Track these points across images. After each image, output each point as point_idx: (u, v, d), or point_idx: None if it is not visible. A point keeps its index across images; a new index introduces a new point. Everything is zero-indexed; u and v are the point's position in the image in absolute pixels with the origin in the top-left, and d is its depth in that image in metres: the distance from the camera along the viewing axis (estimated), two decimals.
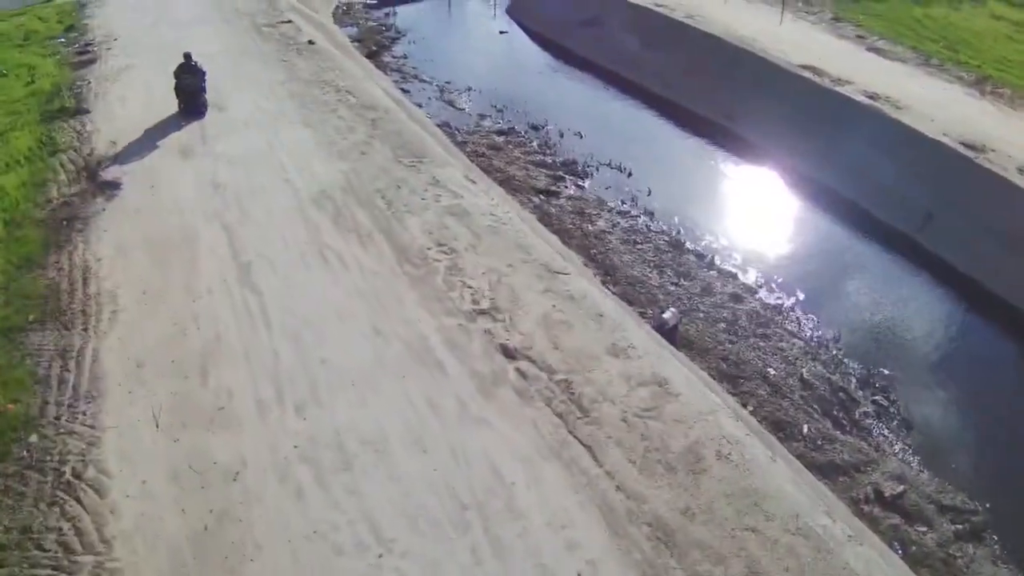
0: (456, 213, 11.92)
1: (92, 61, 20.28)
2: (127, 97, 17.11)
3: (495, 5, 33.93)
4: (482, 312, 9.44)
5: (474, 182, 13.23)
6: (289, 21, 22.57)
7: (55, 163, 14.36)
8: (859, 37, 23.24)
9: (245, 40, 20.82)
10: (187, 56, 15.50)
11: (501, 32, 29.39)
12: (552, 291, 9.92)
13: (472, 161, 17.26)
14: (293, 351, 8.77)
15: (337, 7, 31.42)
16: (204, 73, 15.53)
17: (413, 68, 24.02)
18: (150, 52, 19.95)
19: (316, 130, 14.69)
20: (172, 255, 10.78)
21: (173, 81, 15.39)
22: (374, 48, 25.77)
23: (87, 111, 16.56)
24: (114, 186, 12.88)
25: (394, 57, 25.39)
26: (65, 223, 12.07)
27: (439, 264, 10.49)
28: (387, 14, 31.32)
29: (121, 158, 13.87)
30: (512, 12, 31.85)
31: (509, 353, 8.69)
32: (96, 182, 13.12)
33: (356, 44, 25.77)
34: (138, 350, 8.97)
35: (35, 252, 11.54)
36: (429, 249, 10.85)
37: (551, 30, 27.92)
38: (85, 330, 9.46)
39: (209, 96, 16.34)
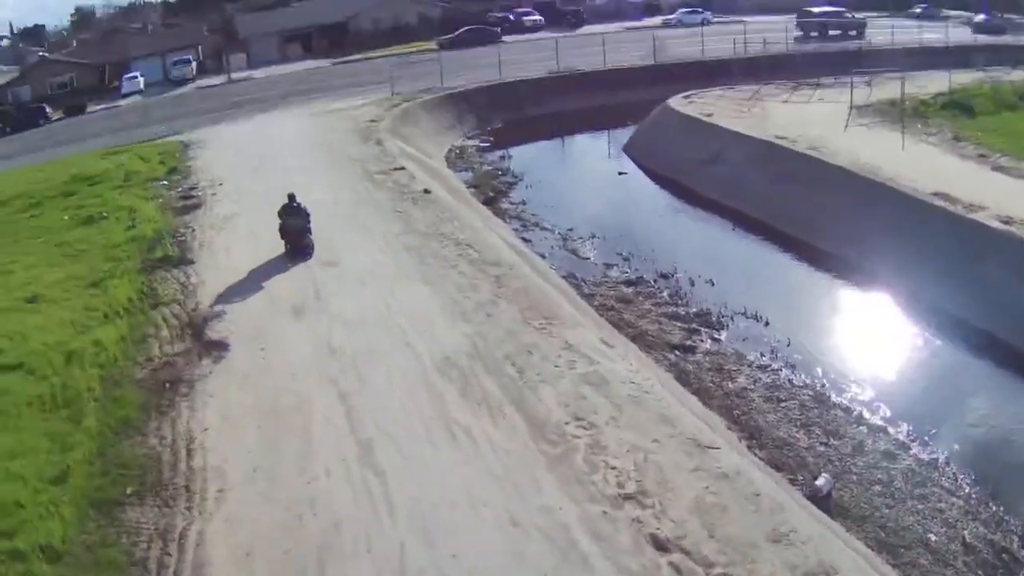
0: (593, 382, 12.32)
1: (196, 207, 22.63)
2: (233, 247, 18.89)
3: (609, 144, 36.15)
4: (628, 497, 9.56)
5: (610, 346, 13.70)
6: (402, 168, 24.71)
7: (157, 317, 15.81)
8: (981, 156, 24.53)
9: (357, 188, 22.84)
10: (291, 197, 17.52)
11: (620, 173, 31.21)
12: (703, 469, 9.99)
13: (601, 315, 17.94)
14: (420, 544, 9.08)
15: (450, 151, 34.17)
16: (308, 214, 17.57)
17: (533, 215, 25.51)
18: (257, 199, 22.08)
19: (436, 288, 15.72)
20: (285, 427, 11.54)
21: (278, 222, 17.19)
22: (491, 194, 27.61)
23: (191, 261, 18.33)
24: (221, 347, 14.05)
25: (512, 203, 27.10)
26: (168, 385, 13.15)
27: (578, 441, 10.76)
28: (502, 157, 33.79)
29: (228, 315, 15.16)
30: (629, 151, 33.89)
31: (661, 545, 8.72)
32: (202, 341, 14.35)
33: (472, 190, 27.75)
34: (248, 536, 9.48)
35: (134, 416, 12.55)
36: (566, 424, 11.19)
37: (671, 169, 29.54)
38: (189, 509, 10.10)
39: (321, 250, 17.88)
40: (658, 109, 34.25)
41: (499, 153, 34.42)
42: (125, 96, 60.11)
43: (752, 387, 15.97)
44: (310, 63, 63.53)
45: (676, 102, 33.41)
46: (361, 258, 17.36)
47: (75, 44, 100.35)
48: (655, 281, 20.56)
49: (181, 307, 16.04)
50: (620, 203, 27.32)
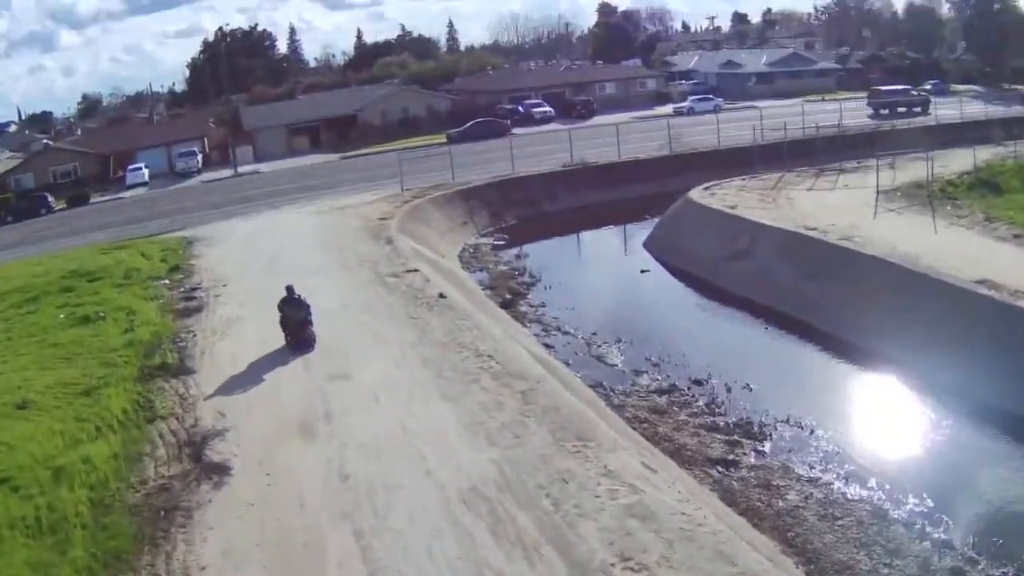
0: (639, 514, 11.36)
1: (198, 309, 21.95)
2: (238, 355, 18.11)
3: (628, 240, 35.72)
4: None
5: (654, 470, 12.77)
6: (415, 270, 24.11)
7: (153, 433, 14.92)
8: (1016, 237, 24.30)
9: (368, 292, 22.20)
10: (289, 289, 17.92)
11: (643, 271, 30.57)
12: None
13: (634, 428, 17.05)
14: None
15: (463, 249, 33.73)
16: (309, 306, 18.03)
17: (554, 318, 24.83)
18: (263, 302, 21.27)
19: (458, 406, 14.86)
20: (294, 569, 10.56)
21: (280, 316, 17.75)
22: (508, 296, 26.98)
23: (191, 371, 17.53)
24: (223, 470, 13.13)
25: (531, 306, 26.44)
26: (163, 514, 12.18)
27: None
28: (517, 255, 33.31)
29: (231, 434, 14.27)
30: (650, 247, 33.36)
31: None
32: (201, 463, 13.43)
33: (488, 292, 27.13)
34: None
35: (125, 548, 11.55)
36: (612, 565, 10.19)
37: (697, 266, 28.91)
38: None
39: (332, 361, 17.14)
40: (678, 202, 33.95)
41: (514, 251, 34.03)
42: (129, 188, 60.40)
43: (804, 504, 14.94)
44: (318, 157, 64.00)
45: (697, 194, 33.13)
46: (374, 371, 16.56)
47: (79, 132, 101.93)
48: (688, 388, 19.78)
49: (179, 422, 15.19)
50: (644, 303, 26.76)
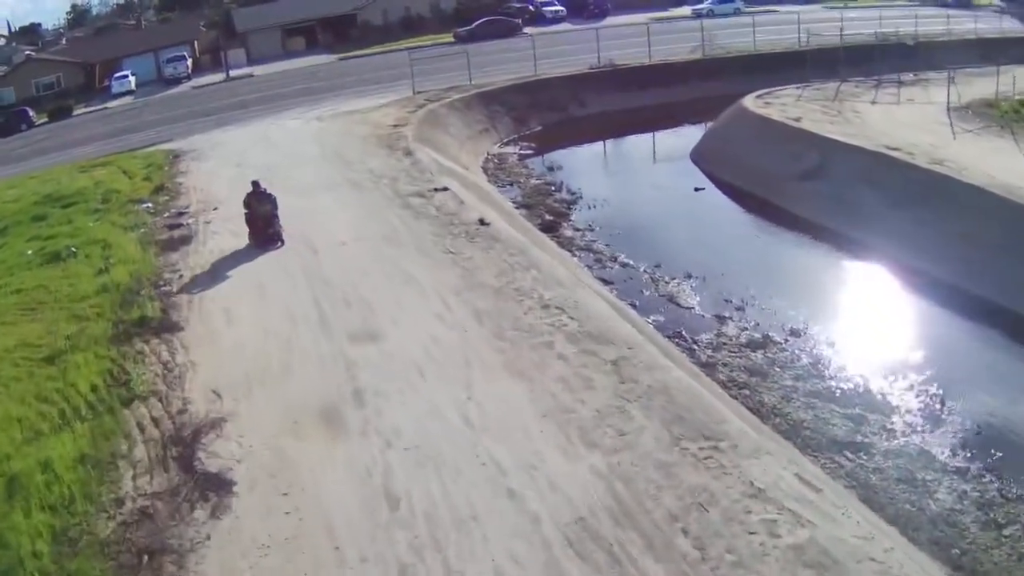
0: (815, 562, 7.63)
1: (185, 240, 17.90)
2: (234, 306, 14.09)
3: (672, 151, 31.33)
4: None
5: (817, 488, 8.90)
6: (444, 189, 19.86)
7: (130, 421, 11.04)
8: None
9: (389, 217, 18.04)
10: (255, 184, 17.10)
11: (697, 189, 26.42)
12: None
13: (734, 396, 13.31)
14: None
15: (487, 160, 29.45)
16: (275, 199, 17.04)
17: (607, 246, 20.67)
18: None
19: (532, 384, 10.88)
20: None
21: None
22: (548, 218, 22.86)
23: (177, 327, 13.55)
24: (222, 486, 9.24)
25: (577, 230, 22.29)
26: (146, 558, 8.37)
27: None
28: (550, 168, 29.11)
29: (230, 426, 10.35)
30: (699, 161, 29.15)
31: None
32: (194, 474, 9.51)
33: (523, 212, 22.97)
34: None
35: None
36: None
37: (757, 184, 24.73)
38: None
39: (353, 312, 13.25)
40: (730, 111, 29.38)
41: (544, 162, 29.63)
42: (115, 97, 55.24)
43: (960, 506, 11.32)
44: (315, 58, 58.72)
45: (753, 104, 28.48)
46: (412, 329, 12.53)
47: (65, 42, 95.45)
48: (786, 341, 15.69)
49: (163, 405, 11.27)
50: (706, 228, 22.49)
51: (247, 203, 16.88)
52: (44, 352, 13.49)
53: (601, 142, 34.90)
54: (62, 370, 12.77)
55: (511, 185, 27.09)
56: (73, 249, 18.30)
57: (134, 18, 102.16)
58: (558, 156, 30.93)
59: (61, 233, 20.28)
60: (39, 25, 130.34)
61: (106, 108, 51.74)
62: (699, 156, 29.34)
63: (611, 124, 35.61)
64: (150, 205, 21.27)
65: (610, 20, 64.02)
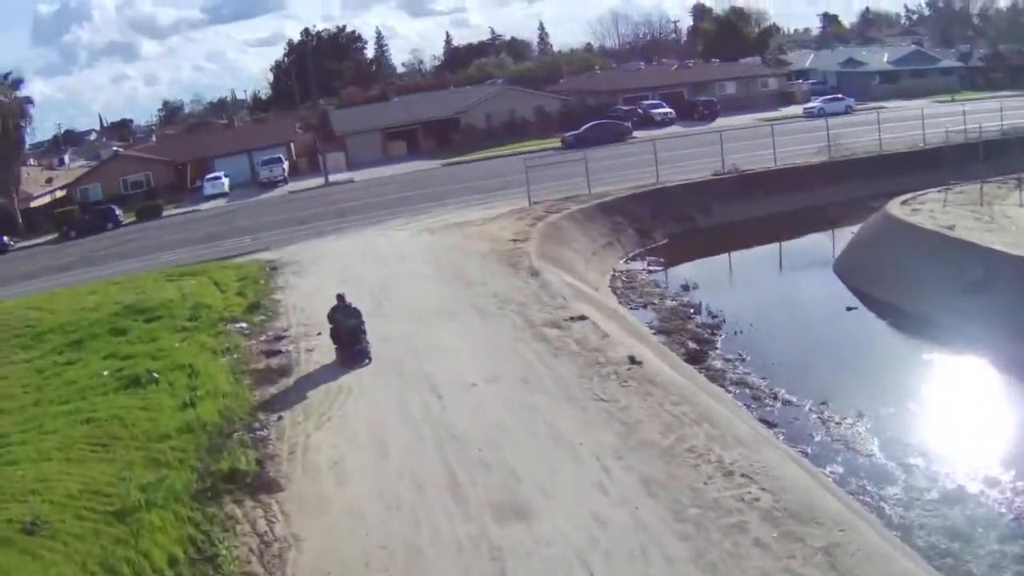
0: None
1: (285, 371, 16.48)
2: (345, 462, 12.34)
3: (808, 263, 29.15)
4: None
5: None
6: (582, 317, 18.04)
7: None
8: None
9: (523, 352, 16.28)
10: (340, 297, 17.19)
11: (849, 309, 24.47)
12: None
13: (935, 565, 11.02)
14: None
15: (614, 277, 27.79)
16: (360, 312, 16.92)
17: (763, 380, 18.67)
18: (379, 366, 15.83)
19: None
20: None
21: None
22: (692, 346, 20.98)
23: (277, 486, 11.83)
24: None
25: (727, 360, 20.29)
26: None
27: None
28: (685, 286, 27.34)
29: None
30: (844, 274, 27.35)
31: None
32: None
33: (663, 339, 21.02)
34: None
35: None
36: None
37: (916, 301, 22.87)
38: None
39: (492, 481, 11.38)
40: (874, 220, 28.19)
41: (677, 280, 28.02)
42: (207, 199, 56.38)
43: None
44: (417, 163, 59.09)
45: (899, 210, 26.78)
46: (569, 504, 10.60)
47: (154, 139, 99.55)
48: (981, 493, 13.80)
49: None
50: (869, 355, 20.52)
51: (331, 317, 16.83)
52: (114, 504, 11.96)
53: (732, 254, 33.54)
54: (134, 531, 11.19)
55: (644, 307, 25.47)
56: (155, 374, 17.03)
57: (226, 117, 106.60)
58: (690, 272, 29.42)
59: (142, 353, 19.17)
60: (130, 121, 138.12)
61: (197, 210, 52.70)
62: (843, 269, 27.64)
63: (740, 234, 34.34)
64: (244, 326, 20.07)
65: (720, 122, 63.57)
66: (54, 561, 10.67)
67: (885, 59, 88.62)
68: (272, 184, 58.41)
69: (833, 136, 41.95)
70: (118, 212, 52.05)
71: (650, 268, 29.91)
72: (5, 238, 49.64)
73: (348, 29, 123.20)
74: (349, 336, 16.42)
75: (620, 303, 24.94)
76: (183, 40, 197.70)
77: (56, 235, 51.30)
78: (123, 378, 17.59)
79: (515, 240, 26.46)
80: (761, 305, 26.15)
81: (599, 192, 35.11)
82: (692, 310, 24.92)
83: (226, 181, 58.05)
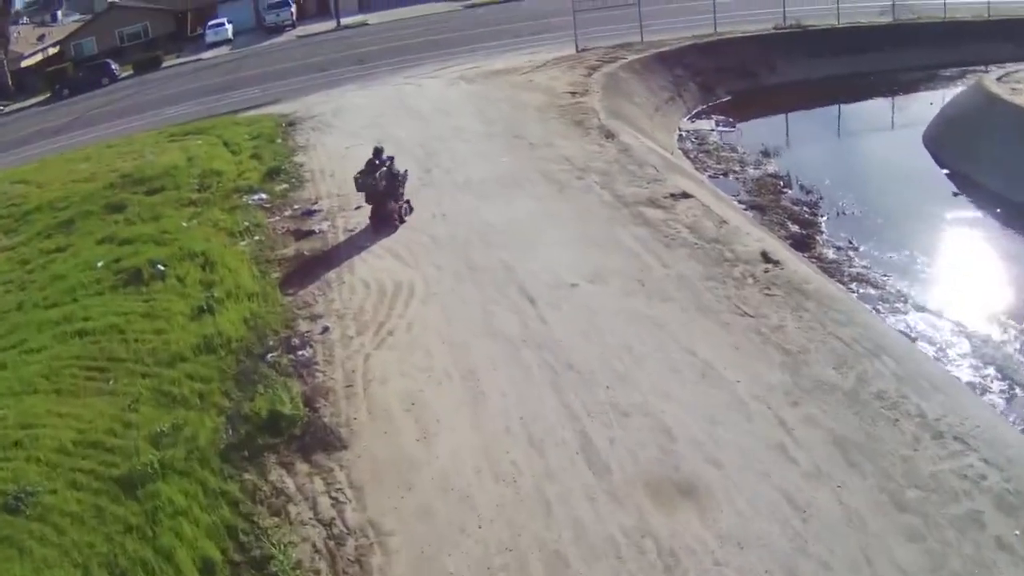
0: None
1: (323, 260, 13.05)
2: (430, 407, 8.96)
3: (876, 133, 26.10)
4: None
5: None
6: (686, 195, 14.36)
7: None
8: None
9: (624, 240, 12.81)
10: (377, 151, 14.10)
11: (955, 194, 20.68)
12: None
13: None
14: None
15: (682, 138, 23.91)
16: (396, 173, 14.19)
17: (886, 278, 15.11)
18: (441, 254, 12.32)
19: None
20: None
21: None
22: (795, 228, 17.41)
23: (339, 442, 8.54)
24: None
25: (837, 248, 16.62)
26: None
27: None
28: (764, 151, 23.48)
29: None
30: (937, 151, 23.38)
31: None
32: None
33: (758, 217, 17.39)
34: None
35: None
36: None
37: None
38: None
39: (637, 435, 8.06)
40: (967, 95, 24.56)
41: (751, 143, 24.14)
42: (210, 47, 51.38)
43: None
44: (435, 5, 53.85)
45: (996, 87, 22.90)
46: (748, 479, 7.69)
47: None
48: None
49: None
50: (997, 249, 16.87)
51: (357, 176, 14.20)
52: (119, 465, 8.78)
53: (805, 116, 29.64)
54: (149, 514, 8.14)
55: (725, 175, 21.67)
56: (160, 267, 13.63)
57: None
58: (764, 135, 25.41)
59: (143, 236, 15.71)
60: None
61: (199, 60, 47.95)
62: (935, 144, 23.88)
63: (808, 94, 30.54)
64: (264, 197, 16.48)
65: None
66: (47, 561, 7.75)
67: None
68: (279, 29, 53.40)
69: None
70: (114, 66, 47.69)
71: (720, 129, 25.93)
72: None
73: None
74: (372, 200, 14.03)
75: (696, 169, 21.14)
76: None
77: (49, 95, 47.06)
78: (122, 272, 14.30)
79: (573, 93, 22.46)
80: (854, 179, 22.41)
81: (653, 41, 30.66)
82: (781, 182, 21.06)
83: (229, 27, 53.25)
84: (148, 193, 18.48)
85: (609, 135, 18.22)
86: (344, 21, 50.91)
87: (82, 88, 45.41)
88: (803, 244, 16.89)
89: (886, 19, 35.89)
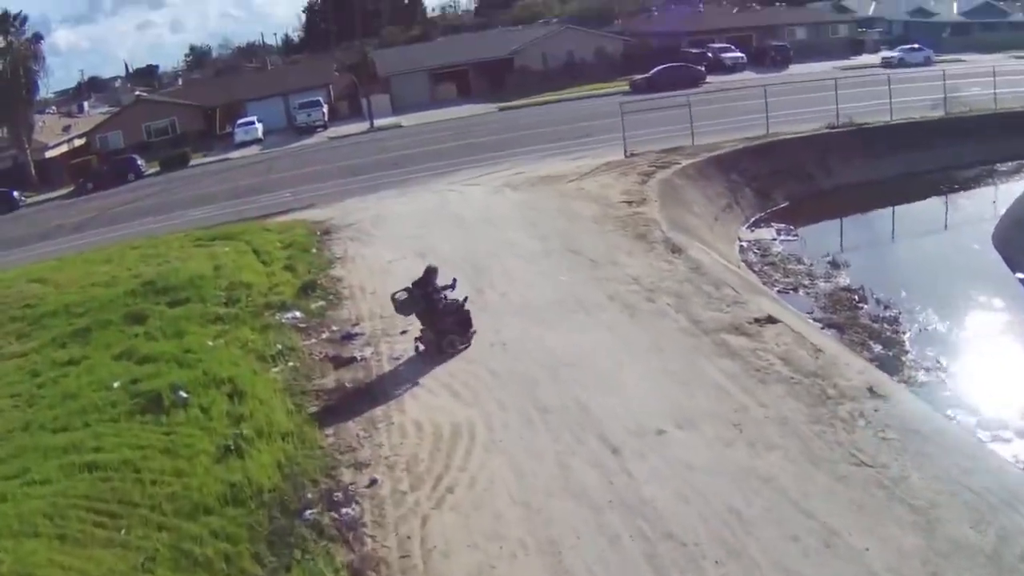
0: None
1: (367, 393, 11.70)
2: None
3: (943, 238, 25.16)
4: None
5: None
6: (772, 319, 13.09)
7: None
8: None
9: (711, 375, 11.63)
10: (430, 272, 12.83)
11: None
12: None
13: None
14: None
15: (743, 249, 22.85)
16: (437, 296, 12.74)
17: (982, 402, 14.11)
18: (505, 391, 11.02)
19: None
20: None
21: None
22: (877, 347, 16.22)
23: None
24: None
25: (927, 370, 15.51)
26: None
27: None
28: (832, 262, 22.18)
29: None
30: (1011, 255, 22.22)
31: None
32: None
33: (835, 334, 16.09)
34: None
35: None
36: None
37: None
38: None
39: None
40: None
41: (816, 252, 23.11)
42: (239, 146, 51.65)
43: None
44: (470, 107, 54.11)
45: None
46: None
47: (180, 83, 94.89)
48: None
49: None
50: None
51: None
52: None
53: (867, 220, 28.83)
54: None
55: (794, 290, 20.50)
56: (183, 394, 12.32)
57: (258, 59, 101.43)
58: (828, 242, 24.49)
59: (165, 354, 14.51)
60: (156, 67, 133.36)
61: (228, 159, 48.04)
62: (1006, 247, 22.74)
63: (867, 197, 29.72)
64: (298, 315, 15.32)
65: (793, 69, 59.34)
66: None
67: (955, 10, 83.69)
68: (311, 130, 53.64)
69: (948, 89, 36.70)
70: (140, 162, 47.86)
71: (782, 238, 24.85)
72: (16, 193, 45.31)
73: None
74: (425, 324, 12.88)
75: (762, 282, 19.95)
76: None
77: (72, 188, 47.08)
78: (140, 395, 13.06)
79: (629, 202, 21.48)
80: (929, 288, 21.25)
81: (704, 144, 29.89)
82: (856, 297, 19.80)
83: (259, 127, 53.44)
84: (171, 304, 17.41)
85: (676, 250, 17.09)
86: (377, 123, 51.07)
87: (107, 183, 45.38)
88: (891, 366, 15.63)
89: (938, 113, 35.50)
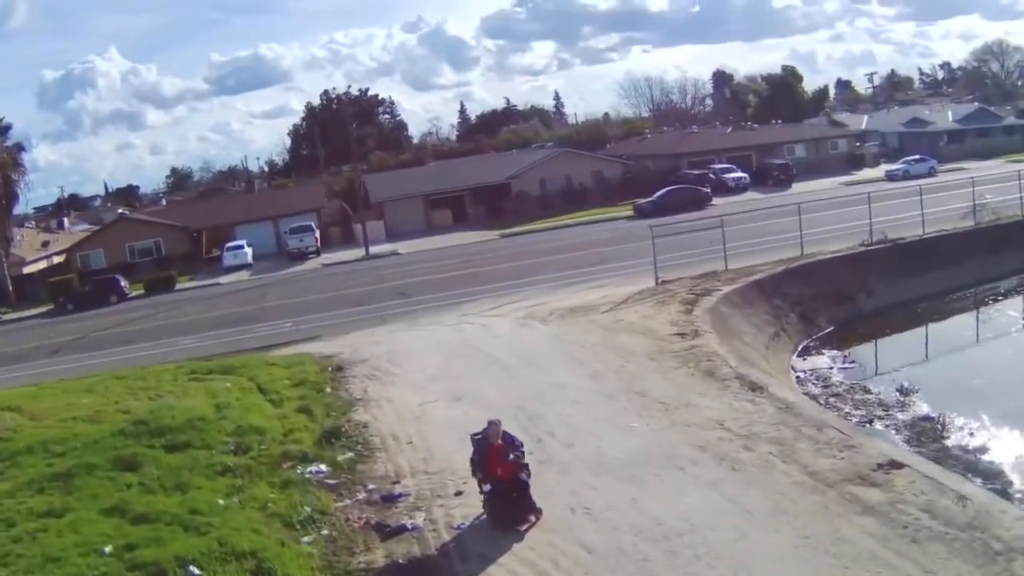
0: None
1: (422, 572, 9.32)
2: None
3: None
4: None
5: None
6: (897, 464, 11.09)
7: None
8: None
9: (855, 539, 10.02)
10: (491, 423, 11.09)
11: None
12: None
13: None
14: None
15: (800, 380, 21.20)
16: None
17: None
18: (610, 571, 8.86)
19: None
20: None
21: None
22: (982, 483, 14.32)
23: None
24: None
25: None
26: None
27: None
28: (900, 391, 20.70)
29: None
30: None
31: None
32: None
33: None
34: None
35: None
36: None
37: None
38: None
39: None
40: None
41: (879, 379, 21.90)
42: (227, 271, 50.33)
43: None
44: (469, 234, 53.23)
45: None
46: None
47: (164, 203, 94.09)
48: None
49: None
50: None
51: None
52: None
53: (917, 337, 27.80)
54: None
55: (870, 423, 18.67)
56: (195, 571, 9.95)
57: (243, 182, 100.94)
58: (885, 368, 23.45)
59: (166, 513, 12.30)
60: (137, 187, 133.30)
61: (217, 284, 46.53)
62: None
63: (912, 317, 29.21)
64: (324, 470, 13.13)
65: (797, 187, 59.38)
66: None
67: (951, 117, 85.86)
68: (302, 256, 52.56)
69: (981, 197, 36.22)
70: (123, 283, 46.33)
71: (839, 366, 23.31)
72: None
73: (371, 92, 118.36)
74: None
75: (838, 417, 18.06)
76: (188, 110, 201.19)
77: (52, 307, 45.63)
78: (138, 568, 10.79)
79: (681, 334, 19.67)
80: (1006, 412, 19.57)
81: (738, 268, 28.44)
82: (939, 426, 18.33)
83: (249, 251, 52.38)
84: (168, 449, 15.19)
85: (755, 387, 15.27)
86: (373, 250, 49.74)
87: (88, 304, 43.83)
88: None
89: (968, 223, 35.06)
